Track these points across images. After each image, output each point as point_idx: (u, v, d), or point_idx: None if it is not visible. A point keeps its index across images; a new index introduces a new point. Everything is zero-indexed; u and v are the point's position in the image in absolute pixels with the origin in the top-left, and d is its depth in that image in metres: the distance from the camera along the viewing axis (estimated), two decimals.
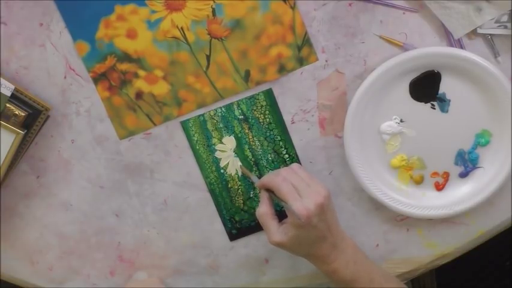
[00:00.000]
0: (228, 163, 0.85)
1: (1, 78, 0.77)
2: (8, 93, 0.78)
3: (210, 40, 0.80)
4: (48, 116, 0.81)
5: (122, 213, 0.86)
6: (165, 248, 0.87)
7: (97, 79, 0.82)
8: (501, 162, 0.82)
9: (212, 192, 0.86)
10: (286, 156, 0.84)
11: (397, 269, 0.87)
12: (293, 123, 0.83)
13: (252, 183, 0.85)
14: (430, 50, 0.79)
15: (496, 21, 0.79)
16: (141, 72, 0.81)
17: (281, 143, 0.84)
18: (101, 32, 0.80)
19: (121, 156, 0.84)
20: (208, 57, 0.81)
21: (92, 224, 0.86)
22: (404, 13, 0.80)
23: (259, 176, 0.84)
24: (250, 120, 0.83)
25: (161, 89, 0.82)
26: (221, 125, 0.84)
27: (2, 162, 0.79)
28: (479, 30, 0.79)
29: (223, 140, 0.84)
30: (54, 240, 0.87)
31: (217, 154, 0.85)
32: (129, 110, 0.83)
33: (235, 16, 0.80)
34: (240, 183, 0.85)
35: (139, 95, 0.82)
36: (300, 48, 0.81)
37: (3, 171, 0.80)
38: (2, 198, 0.85)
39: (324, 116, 0.83)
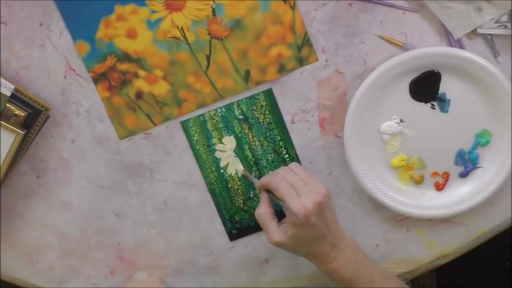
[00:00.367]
0: (228, 163, 0.85)
1: (1, 78, 0.77)
2: (8, 93, 0.78)
3: (210, 40, 0.80)
4: (48, 116, 0.81)
5: (122, 213, 0.86)
6: (165, 248, 0.87)
7: (97, 79, 0.82)
8: (501, 162, 0.82)
9: (212, 192, 0.86)
10: (286, 156, 0.84)
11: (397, 269, 0.87)
12: (293, 123, 0.83)
13: (253, 185, 0.85)
14: (430, 50, 0.79)
15: (496, 21, 0.79)
16: (141, 72, 0.81)
17: (281, 143, 0.84)
18: (101, 32, 0.80)
19: (121, 156, 0.84)
20: (208, 57, 0.81)
21: (92, 224, 0.86)
22: (404, 13, 0.80)
23: (260, 178, 0.84)
24: (250, 120, 0.83)
25: (161, 89, 0.82)
26: (221, 125, 0.84)
27: (2, 162, 0.79)
28: (479, 30, 0.79)
29: (223, 140, 0.84)
30: (54, 240, 0.87)
31: (217, 154, 0.85)
32: (129, 110, 0.83)
33: (235, 16, 0.80)
34: (240, 183, 0.85)
35: (139, 95, 0.82)
36: (300, 48, 0.81)
37: (3, 171, 0.80)
38: (2, 198, 0.85)
39: (324, 116, 0.83)
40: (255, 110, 0.83)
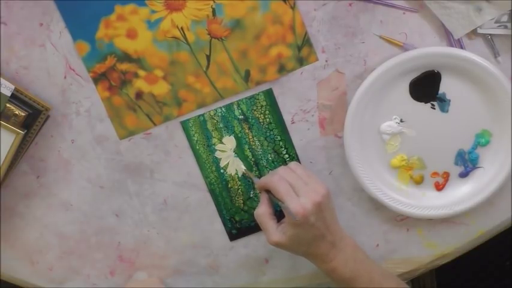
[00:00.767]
0: (228, 163, 0.85)
1: (1, 78, 0.77)
2: (8, 93, 0.78)
3: (210, 40, 0.80)
4: (48, 116, 0.81)
5: (122, 213, 0.86)
6: (165, 248, 0.87)
7: (97, 79, 0.82)
8: (501, 162, 0.82)
9: (212, 192, 0.86)
10: (286, 156, 0.84)
11: (397, 269, 0.87)
12: (293, 123, 0.83)
13: (253, 184, 0.85)
14: (430, 50, 0.79)
15: (496, 21, 0.79)
16: (141, 72, 0.81)
17: (281, 143, 0.84)
18: (101, 32, 0.80)
19: (121, 156, 0.84)
20: (208, 57, 0.81)
21: (92, 224, 0.86)
22: (404, 13, 0.80)
23: (260, 177, 0.84)
24: (250, 120, 0.83)
25: (161, 89, 0.82)
26: (221, 125, 0.84)
27: (2, 162, 0.79)
28: (479, 30, 0.79)
29: (223, 140, 0.84)
30: (54, 240, 0.87)
31: (217, 154, 0.85)
32: (129, 110, 0.83)
33: (235, 16, 0.80)
34: (240, 183, 0.85)
35: (139, 95, 0.82)
36: (300, 48, 0.81)
37: (3, 171, 0.80)
38: (2, 198, 0.85)
39: (324, 116, 0.83)
40: (255, 110, 0.83)
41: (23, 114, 0.79)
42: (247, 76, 0.82)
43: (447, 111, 0.82)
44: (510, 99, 0.79)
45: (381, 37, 0.80)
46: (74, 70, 0.81)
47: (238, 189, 0.86)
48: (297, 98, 0.82)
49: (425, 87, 0.81)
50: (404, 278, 0.88)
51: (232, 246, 0.88)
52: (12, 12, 0.79)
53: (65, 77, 0.81)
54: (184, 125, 0.83)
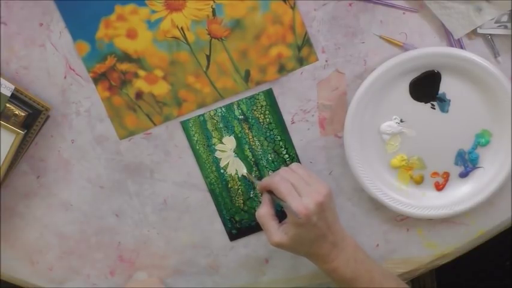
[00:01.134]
0: (228, 163, 0.85)
1: (1, 78, 0.77)
2: (8, 93, 0.78)
3: (210, 40, 0.80)
4: (48, 116, 0.81)
5: (122, 213, 0.86)
6: (165, 248, 0.87)
7: (97, 79, 0.82)
8: (501, 162, 0.82)
9: (212, 192, 0.86)
10: (286, 156, 0.84)
11: (397, 269, 0.87)
12: (293, 123, 0.83)
13: (253, 184, 0.85)
14: (430, 50, 0.79)
15: (496, 21, 0.79)
16: (141, 72, 0.81)
17: (281, 143, 0.84)
18: (101, 32, 0.80)
19: (121, 156, 0.84)
20: (208, 57, 0.81)
21: (92, 224, 0.86)
22: (404, 13, 0.80)
23: (260, 178, 0.84)
24: (250, 120, 0.83)
25: (161, 89, 0.82)
26: (221, 125, 0.84)
27: (2, 162, 0.79)
28: (479, 30, 0.79)
29: (223, 140, 0.84)
30: (54, 240, 0.87)
31: (217, 154, 0.85)
32: (129, 110, 0.83)
33: (235, 16, 0.80)
34: (240, 183, 0.85)
35: (139, 95, 0.82)
36: (300, 48, 0.81)
37: (3, 171, 0.80)
38: (2, 198, 0.85)
39: (324, 116, 0.83)
40: (255, 110, 0.83)
41: (23, 114, 0.79)
42: (247, 76, 0.82)
43: (447, 111, 0.82)
44: (510, 99, 0.79)
45: (381, 37, 0.80)
46: (74, 70, 0.81)
47: (238, 189, 0.86)
48: (297, 98, 0.82)
49: (425, 87, 0.81)
50: (405, 278, 0.88)
51: (232, 246, 0.88)
52: (12, 12, 0.79)
53: (65, 77, 0.81)
54: (184, 125, 0.83)
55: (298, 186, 0.76)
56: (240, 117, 0.83)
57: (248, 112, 0.83)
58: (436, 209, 0.83)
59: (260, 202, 0.82)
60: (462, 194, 0.83)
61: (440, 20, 0.79)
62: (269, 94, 0.82)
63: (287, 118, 0.83)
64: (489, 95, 0.80)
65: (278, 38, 0.80)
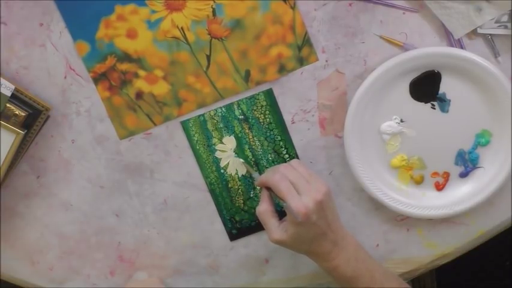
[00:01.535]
0: (228, 163, 0.85)
1: (1, 78, 0.77)
2: (8, 93, 0.78)
3: (210, 40, 0.80)
4: (48, 116, 0.81)
5: (122, 213, 0.86)
6: (165, 248, 0.87)
7: (97, 79, 0.82)
8: (501, 162, 0.82)
9: (212, 192, 0.86)
10: (287, 156, 0.84)
11: (397, 269, 0.87)
12: (293, 123, 0.83)
13: (252, 176, 0.85)
14: (430, 50, 0.79)
15: (496, 21, 0.79)
16: (141, 72, 0.81)
17: (281, 143, 0.84)
18: (101, 32, 0.80)
19: (121, 156, 0.84)
20: (208, 57, 0.81)
21: (92, 224, 0.86)
22: (404, 13, 0.80)
23: (260, 173, 0.84)
24: (250, 120, 0.83)
25: (161, 89, 0.82)
26: (221, 125, 0.84)
27: (2, 162, 0.79)
28: (479, 30, 0.79)
29: (224, 140, 0.84)
30: (54, 240, 0.87)
31: (218, 154, 0.85)
32: (129, 110, 0.83)
33: (236, 16, 0.80)
34: (240, 183, 0.85)
35: (139, 95, 0.82)
36: (300, 48, 0.81)
37: (3, 171, 0.80)
38: (2, 198, 0.85)
39: (324, 116, 0.83)
40: (255, 110, 0.83)
41: (23, 114, 0.79)
42: (247, 76, 0.82)
43: (447, 111, 0.82)
44: (510, 99, 0.79)
45: (381, 37, 0.80)
46: (74, 70, 0.81)
47: (238, 189, 0.86)
48: (297, 98, 0.82)
49: (426, 87, 0.81)
50: (405, 278, 0.88)
51: (233, 246, 0.88)
52: (12, 12, 0.79)
53: (65, 77, 0.81)
54: (185, 125, 0.83)
55: (297, 184, 0.75)
56: (240, 117, 0.83)
57: (248, 112, 0.83)
58: (436, 209, 0.83)
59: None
60: (462, 194, 0.83)
61: (440, 20, 0.79)
62: (269, 94, 0.82)
63: (287, 118, 0.83)
64: (489, 95, 0.80)
65: (278, 38, 0.80)
